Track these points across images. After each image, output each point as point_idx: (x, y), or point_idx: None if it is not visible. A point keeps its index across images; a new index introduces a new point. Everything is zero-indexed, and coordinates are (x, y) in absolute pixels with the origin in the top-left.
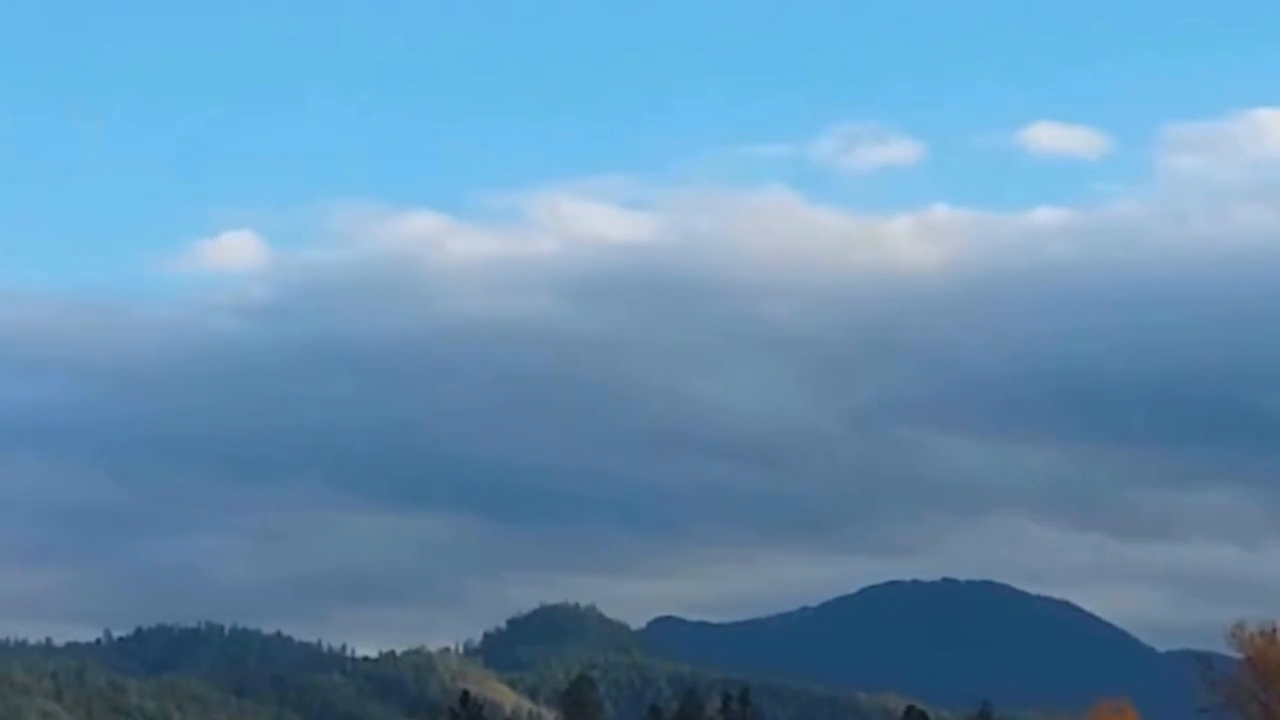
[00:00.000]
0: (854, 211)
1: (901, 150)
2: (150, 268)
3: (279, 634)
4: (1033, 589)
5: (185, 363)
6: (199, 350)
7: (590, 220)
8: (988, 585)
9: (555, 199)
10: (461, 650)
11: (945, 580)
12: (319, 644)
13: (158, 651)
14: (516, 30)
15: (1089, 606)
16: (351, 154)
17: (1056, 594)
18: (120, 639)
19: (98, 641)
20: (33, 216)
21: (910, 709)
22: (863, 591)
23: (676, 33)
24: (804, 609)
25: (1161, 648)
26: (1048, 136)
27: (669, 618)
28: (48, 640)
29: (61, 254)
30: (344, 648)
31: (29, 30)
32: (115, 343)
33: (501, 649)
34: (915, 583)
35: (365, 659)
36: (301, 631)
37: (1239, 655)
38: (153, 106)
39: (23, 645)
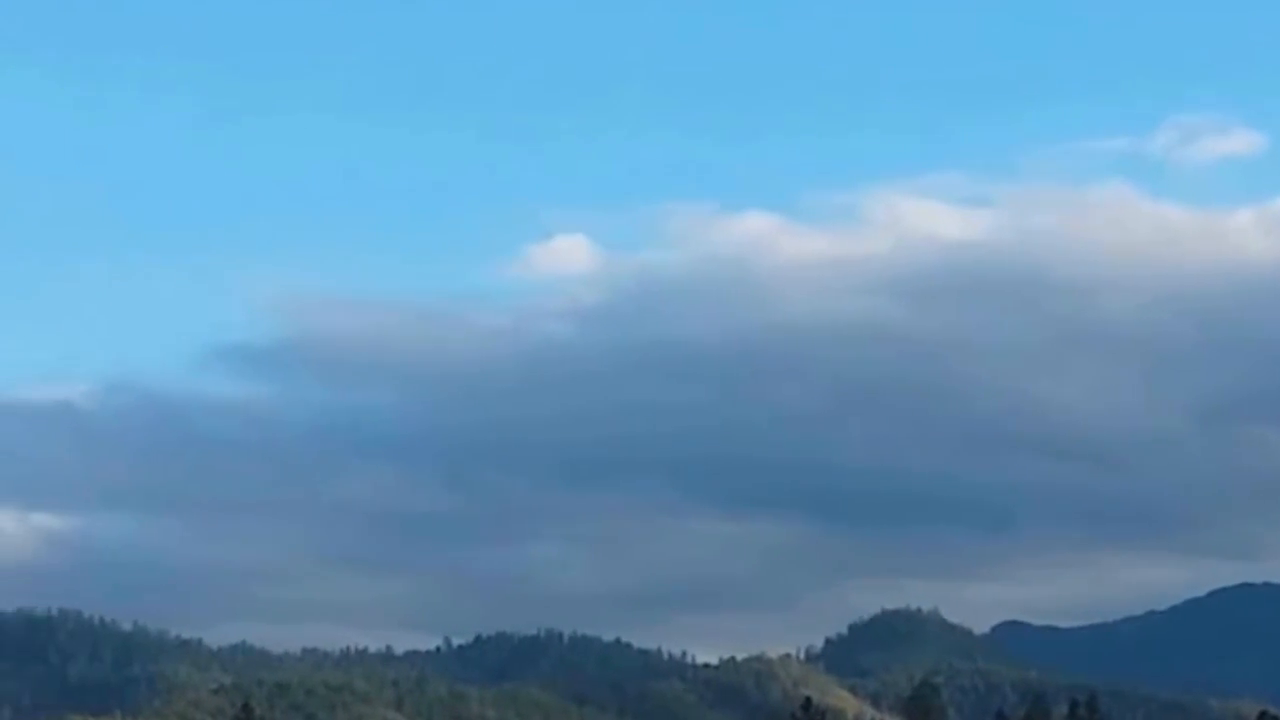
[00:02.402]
0: (1195, 205)
1: (1242, 141)
2: (482, 274)
3: (619, 641)
4: None
5: (519, 369)
6: (532, 355)
7: (926, 218)
8: None
9: (890, 197)
10: (802, 656)
11: None
12: (659, 651)
13: (497, 659)
14: (851, 30)
15: None
16: (684, 155)
17: None
18: (460, 647)
19: (437, 650)
20: (367, 226)
21: (1263, 714)
22: (1212, 594)
23: (1011, 29)
24: (1151, 613)
25: None
26: None
27: (1013, 622)
28: (388, 648)
29: (396, 262)
30: (684, 654)
31: (363, 44)
32: (450, 350)
33: (843, 655)
34: (1267, 585)
35: (705, 666)
36: (641, 638)
37: None
38: (482, 112)
39: (363, 653)
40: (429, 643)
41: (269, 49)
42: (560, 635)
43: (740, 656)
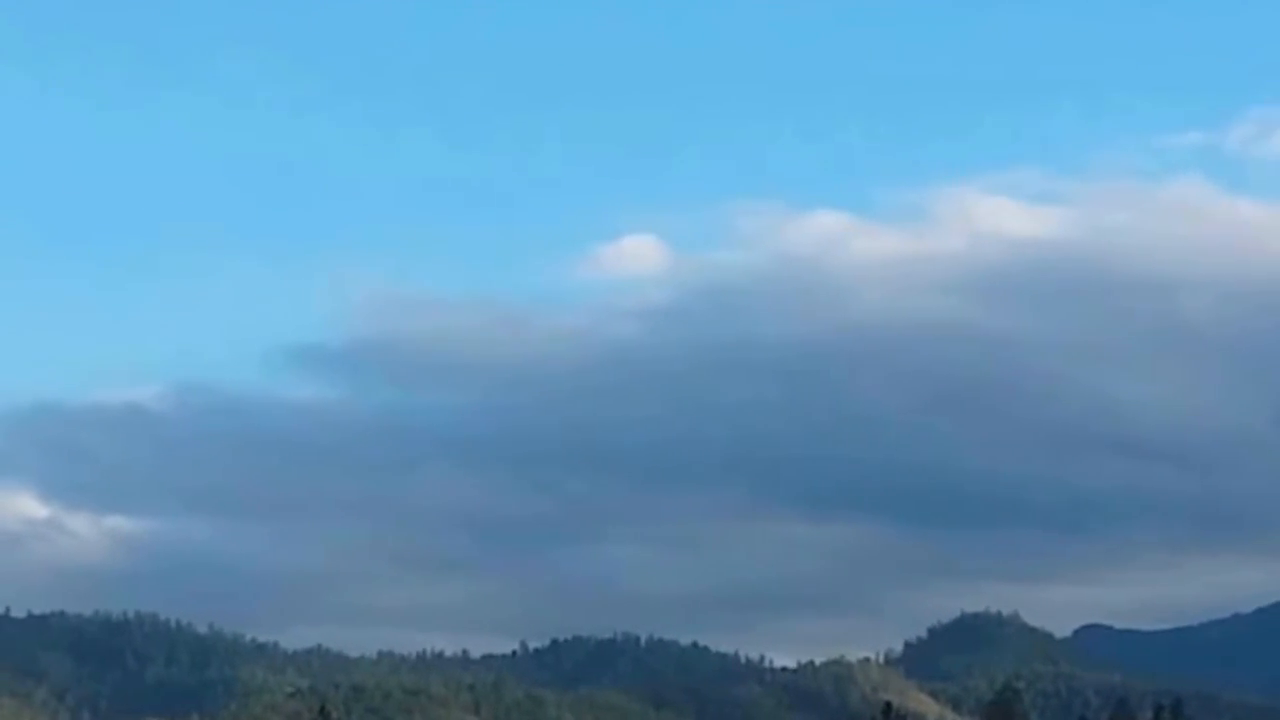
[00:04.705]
0: (1272, 199)
1: None
2: (552, 274)
3: (696, 644)
4: None
5: (590, 369)
6: (603, 356)
7: (998, 216)
8: None
9: (962, 195)
10: (882, 660)
11: None
12: (737, 655)
13: (574, 663)
14: (920, 28)
15: None
16: (753, 154)
17: None
18: (536, 650)
19: (514, 653)
20: (437, 227)
21: None
22: None
23: (1083, 25)
24: (1236, 616)
25: None
26: None
27: (1096, 625)
28: (464, 652)
29: (466, 263)
30: (762, 658)
31: (436, 50)
32: (520, 351)
33: (923, 659)
34: None
35: (784, 669)
36: (719, 642)
37: None
38: (550, 114)
39: (440, 657)
40: (505, 646)
41: (346, 51)
42: (637, 638)
43: (819, 660)
